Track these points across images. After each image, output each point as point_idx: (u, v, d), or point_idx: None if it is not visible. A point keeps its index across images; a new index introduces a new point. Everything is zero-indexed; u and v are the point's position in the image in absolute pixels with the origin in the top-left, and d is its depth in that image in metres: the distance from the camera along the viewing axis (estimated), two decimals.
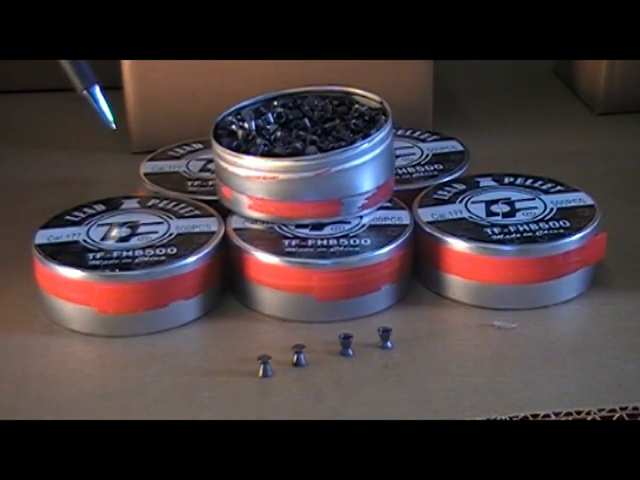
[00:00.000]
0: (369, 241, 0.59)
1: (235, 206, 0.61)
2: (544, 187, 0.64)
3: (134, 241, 0.59)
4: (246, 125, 0.62)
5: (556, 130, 0.83)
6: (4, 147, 0.81)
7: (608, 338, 0.56)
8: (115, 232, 0.59)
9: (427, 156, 0.69)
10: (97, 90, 0.64)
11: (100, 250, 0.58)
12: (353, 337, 0.55)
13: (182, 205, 0.63)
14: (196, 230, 0.60)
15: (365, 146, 0.59)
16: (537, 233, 0.59)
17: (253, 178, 0.59)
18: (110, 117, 0.64)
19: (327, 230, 0.60)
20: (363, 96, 0.64)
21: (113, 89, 0.80)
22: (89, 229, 0.60)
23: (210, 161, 0.66)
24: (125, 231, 0.60)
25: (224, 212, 0.62)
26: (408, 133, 0.72)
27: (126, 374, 0.54)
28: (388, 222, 0.60)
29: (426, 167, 0.67)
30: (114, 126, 0.65)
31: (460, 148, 0.70)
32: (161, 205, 0.63)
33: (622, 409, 0.50)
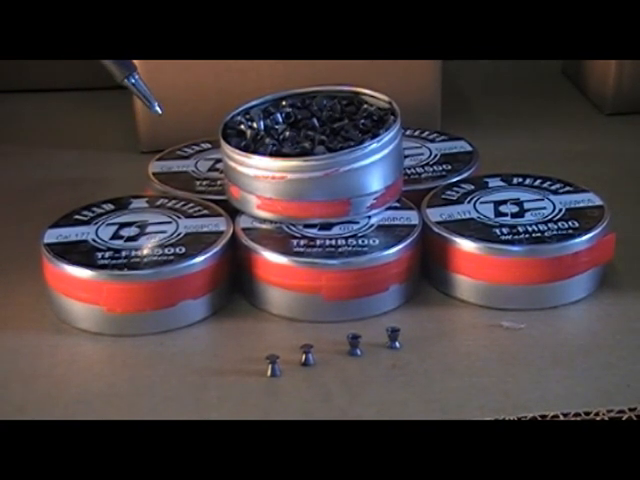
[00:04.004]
0: (377, 241, 0.59)
1: (244, 206, 0.61)
2: (553, 187, 0.64)
3: (143, 240, 0.59)
4: (255, 125, 0.62)
5: (565, 130, 0.83)
6: (13, 146, 0.81)
7: (617, 338, 0.56)
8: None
9: (435, 156, 0.69)
10: (137, 77, 0.63)
11: (109, 249, 0.58)
12: (361, 337, 0.55)
13: (190, 205, 0.63)
14: (204, 230, 0.60)
15: (374, 146, 0.59)
16: (546, 234, 0.59)
17: (261, 178, 0.59)
18: (154, 102, 0.64)
19: (335, 230, 0.60)
20: (372, 96, 0.64)
21: (122, 89, 0.80)
22: (98, 228, 0.60)
23: (219, 161, 0.66)
24: (134, 230, 0.60)
25: (232, 212, 0.62)
26: (416, 133, 0.72)
27: (134, 373, 0.54)
28: (396, 222, 0.60)
29: (435, 167, 0.67)
30: (159, 110, 0.64)
31: (469, 148, 0.70)
32: (169, 205, 0.63)
33: (631, 410, 0.50)
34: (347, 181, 0.59)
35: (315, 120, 0.63)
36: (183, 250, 0.58)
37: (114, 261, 0.57)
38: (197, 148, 0.71)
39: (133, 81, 0.63)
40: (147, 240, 0.59)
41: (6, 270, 0.63)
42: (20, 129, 0.85)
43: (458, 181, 0.65)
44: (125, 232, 0.60)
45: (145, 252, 0.58)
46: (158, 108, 0.64)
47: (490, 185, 0.64)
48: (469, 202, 0.62)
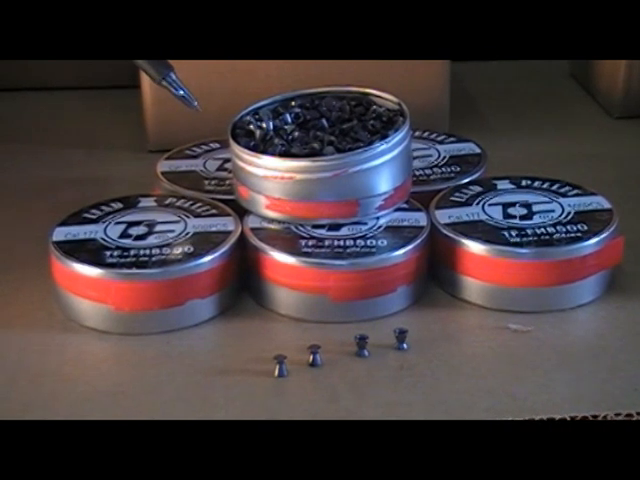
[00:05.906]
0: (385, 242, 0.59)
1: (252, 206, 0.61)
2: (562, 190, 0.64)
3: (151, 239, 0.59)
4: (264, 125, 0.62)
5: (573, 133, 0.83)
6: (23, 145, 0.81)
7: (624, 342, 0.56)
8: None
9: (444, 158, 0.69)
10: (174, 77, 0.63)
11: (117, 248, 0.58)
12: (369, 338, 0.55)
13: (199, 204, 0.63)
14: (213, 229, 0.60)
15: (383, 147, 0.59)
16: (554, 236, 0.59)
17: (270, 178, 0.59)
18: (193, 101, 0.64)
19: (344, 231, 0.60)
20: (381, 97, 0.64)
21: (131, 88, 0.80)
22: (106, 227, 0.60)
23: (227, 160, 0.66)
24: (142, 229, 0.60)
25: (241, 211, 0.62)
26: (425, 135, 0.72)
27: (141, 372, 0.54)
28: (405, 223, 0.60)
29: (443, 169, 0.67)
30: (198, 107, 0.64)
31: (477, 150, 0.70)
32: (178, 204, 0.63)
33: (638, 413, 0.50)
34: (356, 182, 0.59)
35: (324, 121, 0.63)
36: (191, 249, 0.58)
37: (122, 260, 0.57)
38: (206, 148, 0.71)
39: (170, 81, 0.63)
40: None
41: (14, 268, 0.63)
42: (28, 128, 0.85)
43: (467, 183, 0.65)
44: (133, 231, 0.60)
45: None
46: (197, 105, 0.64)
47: (499, 187, 0.64)
48: (478, 204, 0.62)
